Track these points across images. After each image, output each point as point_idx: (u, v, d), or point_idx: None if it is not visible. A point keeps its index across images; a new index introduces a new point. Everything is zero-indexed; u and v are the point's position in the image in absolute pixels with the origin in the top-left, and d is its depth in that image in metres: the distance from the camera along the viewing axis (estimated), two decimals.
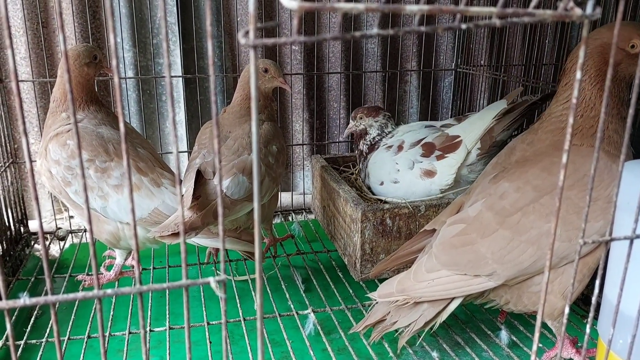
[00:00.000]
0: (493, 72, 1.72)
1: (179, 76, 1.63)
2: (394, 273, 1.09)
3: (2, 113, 1.34)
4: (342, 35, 0.47)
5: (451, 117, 1.88)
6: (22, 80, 1.47)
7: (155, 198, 1.09)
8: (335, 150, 1.89)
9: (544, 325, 1.07)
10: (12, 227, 1.38)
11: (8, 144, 1.37)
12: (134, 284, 1.27)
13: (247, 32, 0.45)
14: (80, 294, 0.44)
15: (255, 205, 0.44)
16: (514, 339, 1.05)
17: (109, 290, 0.45)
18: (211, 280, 0.47)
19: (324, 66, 1.79)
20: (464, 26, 0.39)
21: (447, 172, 1.22)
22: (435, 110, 1.93)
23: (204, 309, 1.13)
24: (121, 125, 0.45)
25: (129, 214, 1.08)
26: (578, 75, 0.39)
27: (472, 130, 1.21)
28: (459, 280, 0.92)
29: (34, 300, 0.43)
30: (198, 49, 1.68)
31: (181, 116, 1.71)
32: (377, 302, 0.99)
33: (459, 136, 1.22)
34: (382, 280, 1.04)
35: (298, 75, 1.74)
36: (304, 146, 1.81)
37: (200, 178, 1.09)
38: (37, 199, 0.44)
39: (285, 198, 1.74)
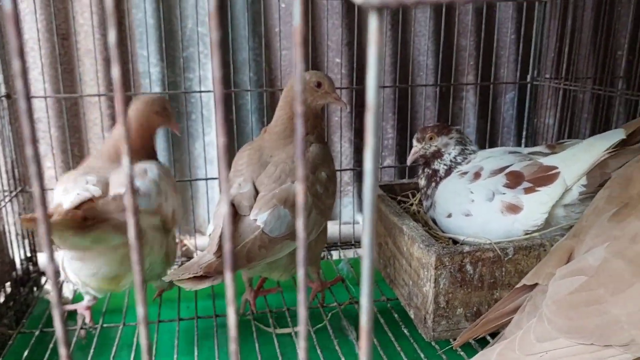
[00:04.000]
0: (596, 87, 1.46)
1: (211, 91, 1.44)
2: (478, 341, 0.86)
3: (10, 133, 1.17)
4: None
5: (515, 139, 1.65)
6: (34, 97, 1.30)
7: None
8: (382, 175, 1.67)
9: None
10: (19, 265, 1.19)
11: (16, 169, 1.19)
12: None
13: None
14: None
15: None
16: None
17: None
18: None
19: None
20: None
21: (537, 210, 0.99)
22: (496, 130, 1.70)
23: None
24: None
25: None
26: None
27: (575, 162, 0.97)
28: (583, 352, 0.70)
29: None
30: (234, 63, 1.49)
31: (212, 137, 1.52)
32: None
33: (556, 167, 0.99)
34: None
35: (341, 90, 1.54)
36: (349, 171, 1.60)
37: (233, 213, 0.90)
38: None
39: (331, 229, 1.52)
